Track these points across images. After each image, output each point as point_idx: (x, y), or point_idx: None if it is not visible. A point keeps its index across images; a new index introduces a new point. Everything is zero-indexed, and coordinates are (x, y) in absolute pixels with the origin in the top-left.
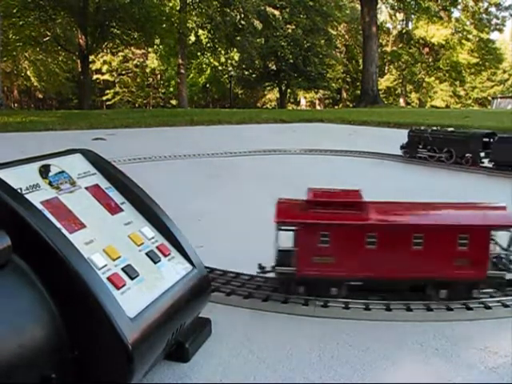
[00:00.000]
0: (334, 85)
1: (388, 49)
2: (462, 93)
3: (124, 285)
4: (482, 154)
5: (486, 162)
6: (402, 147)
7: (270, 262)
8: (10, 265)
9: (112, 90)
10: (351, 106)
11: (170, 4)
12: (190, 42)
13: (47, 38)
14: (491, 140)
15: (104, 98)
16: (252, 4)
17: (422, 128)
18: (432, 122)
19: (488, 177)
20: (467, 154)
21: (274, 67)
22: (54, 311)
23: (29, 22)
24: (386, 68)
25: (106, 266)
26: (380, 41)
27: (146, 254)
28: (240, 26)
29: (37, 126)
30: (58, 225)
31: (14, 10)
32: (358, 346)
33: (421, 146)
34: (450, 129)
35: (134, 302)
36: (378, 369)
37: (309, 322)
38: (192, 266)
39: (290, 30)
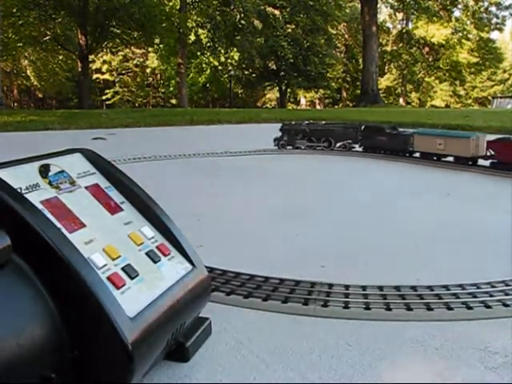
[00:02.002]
0: (333, 84)
1: (388, 48)
2: (462, 92)
3: (124, 284)
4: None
5: (357, 147)
6: (275, 140)
7: (271, 262)
8: (10, 264)
9: (112, 90)
10: (351, 105)
11: (170, 3)
12: (190, 41)
13: (47, 38)
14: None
15: (104, 98)
16: (252, 3)
17: (293, 122)
18: (432, 122)
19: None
20: (345, 142)
21: (273, 67)
22: (54, 311)
23: (29, 21)
24: (386, 67)
25: (105, 265)
26: (380, 40)
27: (146, 253)
28: (240, 26)
29: (36, 125)
30: (58, 224)
31: (14, 10)
32: (358, 346)
33: (299, 138)
34: (323, 122)
35: (134, 302)
36: (378, 369)
37: (309, 322)
38: (192, 266)
39: (289, 30)
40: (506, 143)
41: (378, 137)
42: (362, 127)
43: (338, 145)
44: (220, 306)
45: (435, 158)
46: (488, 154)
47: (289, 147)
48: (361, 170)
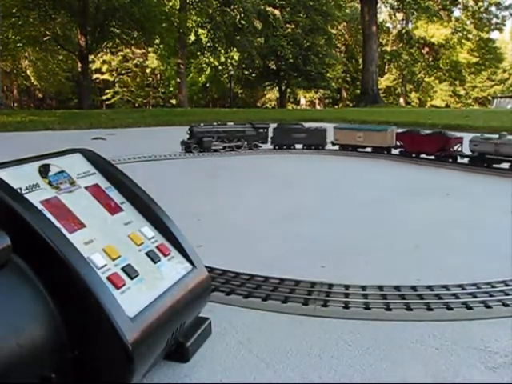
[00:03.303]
0: (333, 84)
1: (388, 48)
2: (462, 92)
3: (124, 284)
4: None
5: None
6: (183, 143)
7: (271, 262)
8: (10, 264)
9: (112, 90)
10: (351, 105)
11: (170, 3)
12: (190, 41)
13: (47, 38)
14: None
15: (104, 98)
16: (252, 3)
17: (202, 124)
18: (432, 122)
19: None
20: (256, 142)
21: (273, 67)
22: (54, 311)
23: (29, 21)
24: (386, 67)
25: (105, 265)
26: (380, 40)
27: (146, 253)
28: (240, 26)
29: (36, 125)
30: (58, 224)
31: (14, 10)
32: (358, 346)
33: (214, 140)
34: (230, 123)
35: (134, 302)
36: (378, 369)
37: (309, 322)
38: (192, 266)
39: (289, 30)
40: (411, 135)
41: (294, 134)
42: (275, 126)
43: (247, 145)
44: (220, 306)
45: (350, 149)
46: (397, 144)
47: (191, 151)
48: (356, 168)
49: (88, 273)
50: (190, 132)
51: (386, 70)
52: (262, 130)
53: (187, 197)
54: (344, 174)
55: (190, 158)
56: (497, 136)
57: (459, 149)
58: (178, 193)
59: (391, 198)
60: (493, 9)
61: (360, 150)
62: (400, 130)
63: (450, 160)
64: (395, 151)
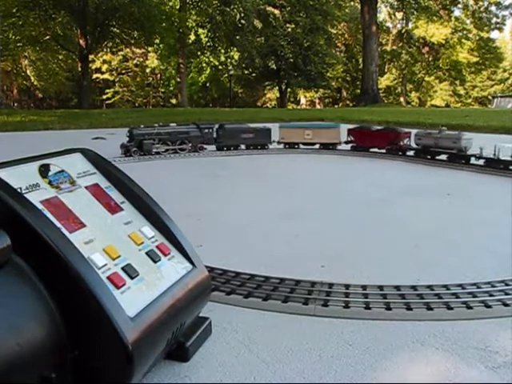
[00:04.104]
0: (333, 84)
1: (388, 48)
2: (462, 92)
3: (124, 284)
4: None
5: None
6: (122, 146)
7: (271, 261)
8: (10, 264)
9: (112, 90)
10: (351, 105)
11: (170, 3)
12: (190, 41)
13: (47, 38)
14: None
15: (104, 98)
16: (252, 3)
17: (142, 126)
18: (432, 122)
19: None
20: (200, 143)
21: (273, 66)
22: (54, 310)
23: (29, 21)
24: (386, 67)
25: (105, 265)
26: (380, 40)
27: (146, 253)
28: (240, 25)
29: (36, 125)
30: (58, 224)
31: (14, 10)
32: (358, 346)
33: (156, 142)
34: (172, 124)
35: (134, 302)
36: (378, 369)
37: (309, 322)
38: (192, 266)
39: (289, 29)
40: (362, 131)
41: (242, 134)
42: (216, 126)
43: (190, 147)
44: (220, 306)
45: (296, 147)
46: (349, 139)
47: (131, 154)
48: (355, 169)
49: (88, 272)
50: (130, 134)
51: (386, 70)
52: (207, 131)
53: (188, 196)
54: (337, 174)
55: (189, 158)
56: (437, 131)
57: (408, 143)
58: (178, 192)
59: (392, 197)
60: (493, 8)
61: (306, 147)
62: (351, 126)
63: (400, 153)
64: (346, 146)
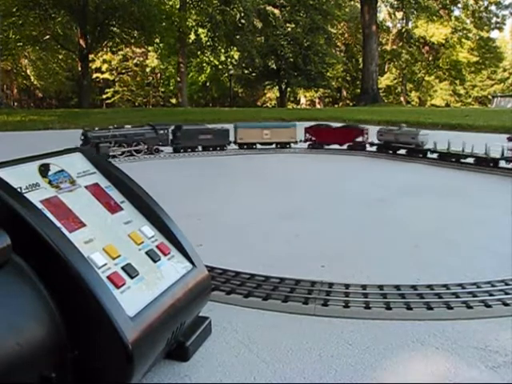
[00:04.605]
0: (333, 83)
1: (388, 47)
2: (462, 91)
3: (124, 284)
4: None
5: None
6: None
7: (271, 261)
8: (10, 264)
9: (112, 89)
10: (351, 104)
11: (170, 2)
12: (190, 40)
13: (47, 37)
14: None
15: (104, 97)
16: (252, 2)
17: (97, 128)
18: (432, 121)
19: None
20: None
21: (273, 66)
22: (54, 310)
23: (28, 20)
24: (386, 67)
25: (105, 264)
26: (380, 39)
27: (146, 253)
28: (240, 25)
29: (36, 124)
30: (58, 224)
31: (14, 9)
32: (358, 345)
33: (111, 145)
34: (128, 126)
35: (134, 301)
36: (378, 368)
37: (309, 321)
38: (192, 265)
39: (289, 29)
40: (320, 129)
41: (196, 135)
42: (172, 128)
43: (146, 149)
44: (220, 305)
45: (254, 147)
46: (306, 137)
47: None
48: (354, 168)
49: (88, 272)
50: (84, 137)
51: (386, 69)
52: (162, 132)
53: (188, 196)
54: (336, 174)
55: (188, 158)
56: (397, 128)
57: (366, 139)
58: (178, 191)
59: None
60: (493, 8)
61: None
62: (307, 124)
63: (360, 148)
64: (304, 145)
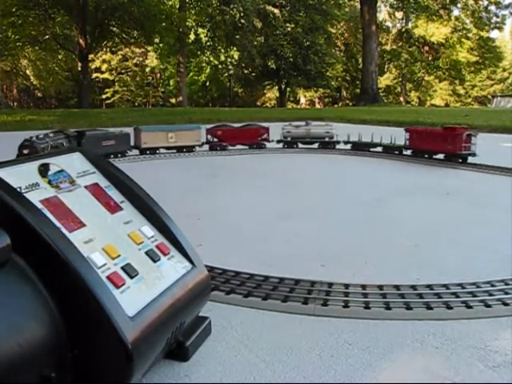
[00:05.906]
0: (333, 83)
1: (388, 47)
2: (462, 91)
3: (123, 284)
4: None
5: None
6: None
7: (271, 261)
8: (10, 264)
9: (111, 89)
10: (351, 104)
11: (170, 2)
12: (190, 40)
13: (46, 37)
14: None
15: (103, 97)
16: (252, 2)
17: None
18: (431, 121)
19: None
20: None
21: (273, 66)
22: (54, 310)
23: (28, 20)
24: (386, 67)
25: (105, 264)
26: (380, 39)
27: (146, 252)
28: (240, 25)
29: (36, 124)
30: (58, 224)
31: (13, 9)
32: (358, 345)
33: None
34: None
35: (134, 301)
36: (378, 368)
37: (308, 321)
38: (192, 265)
39: (289, 29)
40: (223, 129)
41: (99, 142)
42: (74, 134)
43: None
44: (220, 305)
45: (158, 151)
46: (208, 139)
47: None
48: (352, 168)
49: (87, 272)
50: (23, 147)
51: (385, 69)
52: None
53: (187, 196)
54: (334, 174)
55: (188, 158)
56: (304, 123)
57: (267, 137)
58: (178, 191)
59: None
60: (492, 8)
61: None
62: (209, 126)
63: (263, 146)
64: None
